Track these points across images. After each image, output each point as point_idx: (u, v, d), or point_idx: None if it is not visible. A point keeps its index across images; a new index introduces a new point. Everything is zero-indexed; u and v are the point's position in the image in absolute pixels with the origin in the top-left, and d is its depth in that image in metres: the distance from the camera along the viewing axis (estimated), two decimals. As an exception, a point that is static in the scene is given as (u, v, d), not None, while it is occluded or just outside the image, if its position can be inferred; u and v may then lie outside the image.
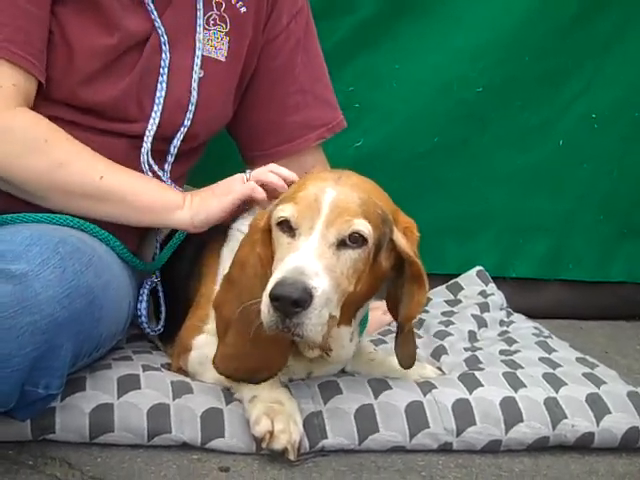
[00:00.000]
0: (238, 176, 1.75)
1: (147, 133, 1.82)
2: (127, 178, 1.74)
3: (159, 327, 1.85)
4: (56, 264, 1.42)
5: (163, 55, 1.82)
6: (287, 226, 1.50)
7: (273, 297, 1.39)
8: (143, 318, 1.83)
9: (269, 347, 1.53)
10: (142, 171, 1.83)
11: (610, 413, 1.70)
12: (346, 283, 1.48)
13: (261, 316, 1.42)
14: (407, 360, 1.69)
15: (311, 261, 1.42)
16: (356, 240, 1.48)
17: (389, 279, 1.64)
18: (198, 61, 1.85)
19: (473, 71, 2.56)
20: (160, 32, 1.81)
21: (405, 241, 1.58)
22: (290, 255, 1.45)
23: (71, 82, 1.75)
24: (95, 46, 1.75)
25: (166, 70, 1.82)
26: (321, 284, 1.41)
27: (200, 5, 1.86)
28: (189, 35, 1.85)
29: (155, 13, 1.80)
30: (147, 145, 1.82)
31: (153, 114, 1.82)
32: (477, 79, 2.57)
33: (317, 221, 1.47)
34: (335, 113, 2.12)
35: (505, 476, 1.60)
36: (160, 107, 1.82)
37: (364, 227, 1.48)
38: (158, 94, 1.82)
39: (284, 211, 1.51)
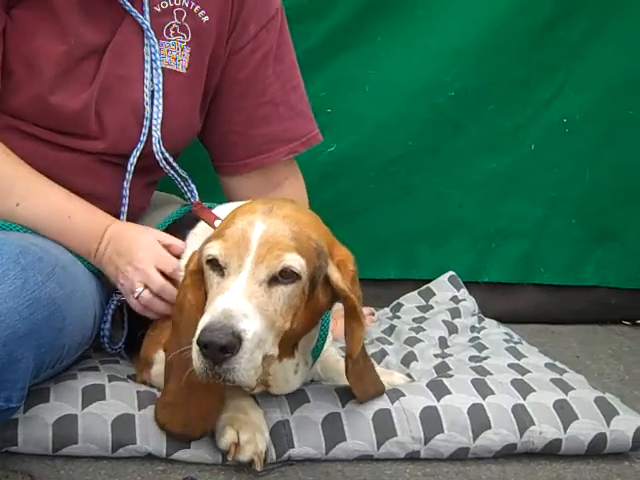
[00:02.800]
0: (136, 278, 1.70)
1: (134, 153, 1.81)
2: (44, 210, 1.72)
3: (119, 346, 1.83)
4: (16, 275, 1.41)
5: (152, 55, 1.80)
6: (216, 265, 1.45)
7: (201, 344, 1.34)
8: (105, 339, 1.80)
9: (204, 395, 1.48)
10: (122, 195, 1.82)
11: (577, 419, 1.71)
12: (281, 321, 1.43)
13: (193, 363, 1.37)
14: (362, 395, 1.64)
15: (240, 302, 1.37)
16: (289, 276, 1.42)
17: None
18: (148, 74, 1.81)
19: (446, 76, 2.57)
20: (149, 35, 1.79)
21: (339, 275, 1.51)
22: (218, 297, 1.39)
23: (31, 91, 1.73)
24: (51, 52, 1.72)
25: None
26: (251, 326, 1.36)
27: (147, 16, 1.80)
28: (139, 47, 1.80)
29: (142, 16, 1.78)
30: (131, 168, 1.82)
31: (142, 135, 1.81)
32: (450, 84, 2.57)
33: (246, 259, 1.41)
34: (310, 126, 2.06)
35: (472, 484, 1.60)
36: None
37: (296, 262, 1.42)
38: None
39: (212, 249, 1.45)
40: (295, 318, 1.47)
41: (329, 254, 1.52)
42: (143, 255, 1.71)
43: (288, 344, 1.54)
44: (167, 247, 1.74)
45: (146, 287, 1.70)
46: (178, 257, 1.73)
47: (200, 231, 1.76)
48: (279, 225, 1.45)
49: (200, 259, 1.51)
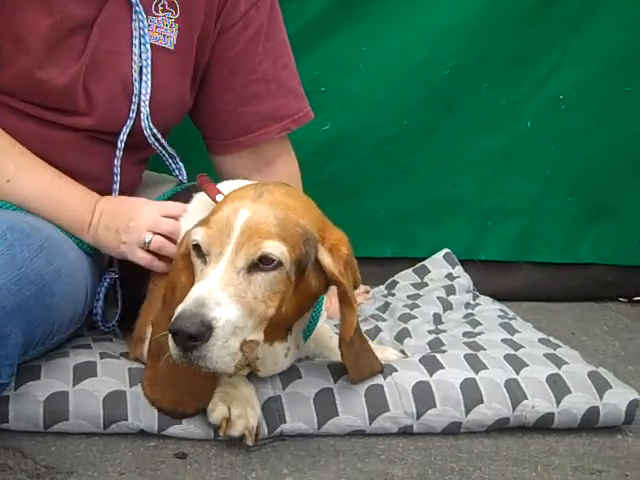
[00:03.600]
0: (143, 227, 1.70)
1: (124, 129, 1.80)
2: (35, 186, 1.71)
3: (112, 323, 1.83)
4: (4, 251, 1.40)
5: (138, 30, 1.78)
6: (200, 251, 1.46)
7: (172, 331, 1.36)
8: (98, 317, 1.81)
9: (195, 373, 1.45)
10: (112, 173, 1.82)
11: (570, 393, 1.70)
12: (262, 307, 1.43)
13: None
14: (357, 377, 1.63)
15: (214, 291, 1.38)
16: (269, 262, 1.42)
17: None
18: (136, 50, 1.79)
19: (441, 53, 2.55)
20: (138, 10, 1.77)
21: (331, 260, 1.50)
22: (196, 285, 1.41)
23: (19, 66, 1.72)
24: (38, 26, 1.70)
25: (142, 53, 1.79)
26: (224, 314, 1.36)
27: None
28: (126, 22, 1.79)
29: None
30: (121, 145, 1.82)
31: (131, 111, 1.80)
32: (445, 62, 2.55)
33: (226, 247, 1.42)
34: (301, 103, 2.05)
35: (464, 458, 1.60)
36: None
37: (275, 249, 1.42)
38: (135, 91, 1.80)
39: (196, 235, 1.46)
40: (282, 303, 1.47)
41: (321, 238, 1.51)
42: (144, 209, 1.73)
43: (280, 328, 1.55)
44: (163, 209, 1.75)
45: (154, 233, 1.70)
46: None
47: (193, 209, 1.76)
48: (264, 212, 1.45)
49: (187, 244, 1.51)
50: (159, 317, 1.58)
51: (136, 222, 1.71)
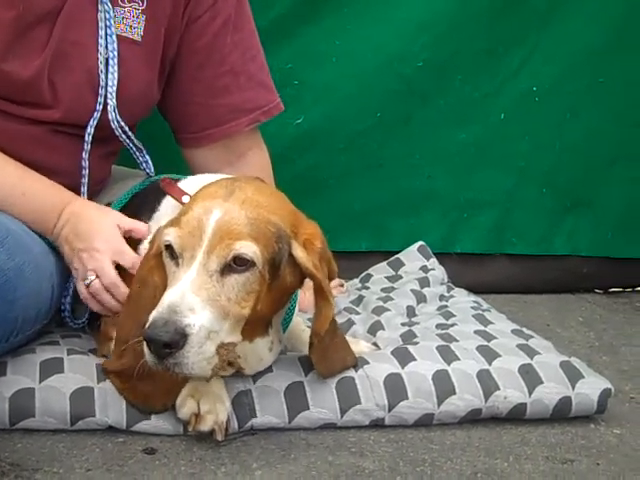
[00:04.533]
0: (89, 266, 1.67)
1: (91, 122, 1.78)
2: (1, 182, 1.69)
3: (82, 321, 1.81)
4: (-36, 245, 1.39)
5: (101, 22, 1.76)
6: (172, 252, 1.44)
7: (146, 339, 1.35)
8: (67, 312, 1.78)
9: (165, 374, 1.42)
10: (80, 167, 1.79)
11: (542, 383, 1.70)
12: (237, 308, 1.42)
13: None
14: (327, 372, 1.62)
15: (186, 296, 1.36)
16: (242, 263, 1.41)
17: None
18: (102, 41, 1.77)
19: (414, 46, 2.54)
20: (104, 0, 1.75)
21: (305, 255, 1.49)
22: (168, 290, 1.40)
23: None
24: (1, 18, 1.68)
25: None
26: (198, 320, 1.35)
27: None
28: (92, 13, 1.77)
29: None
30: (89, 138, 1.79)
31: (98, 104, 1.78)
32: (417, 54, 2.54)
33: (198, 249, 1.40)
34: (270, 96, 2.04)
35: (436, 449, 1.59)
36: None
37: (247, 249, 1.40)
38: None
39: (168, 236, 1.43)
40: (258, 302, 1.45)
41: (294, 234, 1.50)
42: (101, 244, 1.67)
43: (259, 325, 1.54)
44: (128, 232, 1.71)
45: (97, 277, 1.67)
46: (140, 241, 1.70)
47: (164, 210, 1.73)
48: (235, 212, 1.43)
49: (159, 243, 1.49)
50: (125, 312, 1.57)
51: (85, 256, 1.67)
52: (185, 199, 1.63)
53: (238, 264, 1.41)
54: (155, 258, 1.52)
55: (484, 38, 2.58)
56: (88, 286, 1.66)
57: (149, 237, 1.65)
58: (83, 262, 1.67)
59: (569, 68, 2.64)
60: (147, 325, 1.35)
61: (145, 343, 1.35)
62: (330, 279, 1.58)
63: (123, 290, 1.64)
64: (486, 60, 2.59)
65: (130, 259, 1.66)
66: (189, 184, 1.70)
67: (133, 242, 1.70)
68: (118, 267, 1.68)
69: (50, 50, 1.74)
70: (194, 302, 1.37)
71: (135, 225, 1.72)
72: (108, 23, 1.78)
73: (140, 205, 1.79)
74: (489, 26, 2.57)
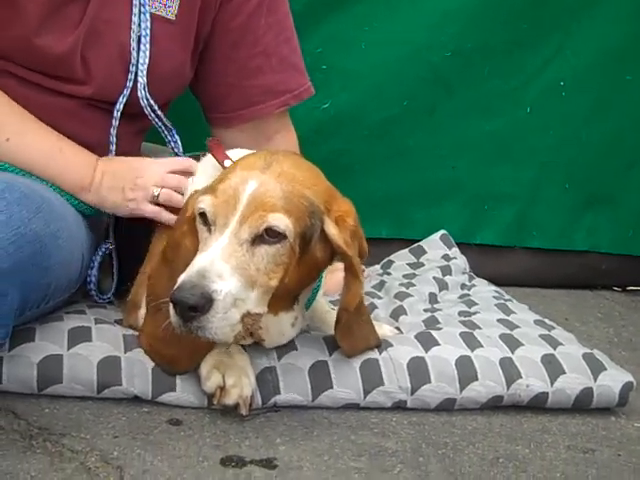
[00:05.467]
0: (150, 183, 1.72)
1: (120, 99, 1.79)
2: (35, 145, 1.70)
3: (108, 296, 1.82)
4: (2, 210, 1.39)
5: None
6: (205, 219, 1.46)
7: (172, 301, 1.36)
8: (92, 285, 1.79)
9: (193, 338, 1.42)
10: (109, 142, 1.81)
11: (565, 374, 1.70)
12: (265, 279, 1.43)
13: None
14: (350, 350, 1.64)
15: (216, 262, 1.38)
16: (274, 235, 1.42)
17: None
18: (135, 19, 1.77)
19: (443, 35, 2.54)
20: None
21: (337, 231, 1.50)
22: (199, 255, 1.42)
23: (16, 31, 1.70)
24: None
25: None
26: (225, 286, 1.37)
27: None
28: None
29: None
30: (117, 114, 1.80)
31: (128, 81, 1.79)
32: (446, 44, 2.54)
33: (232, 218, 1.42)
34: (302, 79, 2.04)
35: (458, 434, 1.60)
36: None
37: (280, 222, 1.42)
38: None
39: (203, 203, 1.45)
40: (286, 275, 1.46)
41: (327, 210, 1.51)
42: (148, 170, 1.73)
43: (285, 298, 1.55)
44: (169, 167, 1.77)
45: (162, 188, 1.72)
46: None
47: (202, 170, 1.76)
48: (271, 184, 1.44)
49: (194, 209, 1.50)
50: (156, 271, 1.59)
51: (143, 179, 1.72)
52: (227, 163, 1.66)
53: (270, 235, 1.43)
54: (189, 222, 1.53)
55: (513, 30, 2.57)
56: (158, 197, 1.71)
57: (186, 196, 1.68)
58: (139, 187, 1.72)
59: (597, 64, 2.64)
60: (175, 287, 1.37)
61: (171, 305, 1.37)
62: (360, 257, 1.58)
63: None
64: (514, 52, 2.59)
65: (182, 165, 1.76)
66: (233, 153, 1.72)
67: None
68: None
69: (84, 27, 1.74)
70: (223, 269, 1.38)
71: (175, 160, 1.77)
72: (142, 1, 1.79)
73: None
74: (518, 18, 2.57)
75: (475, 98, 2.60)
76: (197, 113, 2.08)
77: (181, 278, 1.38)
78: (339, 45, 2.50)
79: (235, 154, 1.70)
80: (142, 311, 1.66)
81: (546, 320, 1.99)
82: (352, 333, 1.63)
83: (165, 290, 1.46)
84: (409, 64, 2.54)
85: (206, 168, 1.74)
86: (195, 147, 1.93)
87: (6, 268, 1.37)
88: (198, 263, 1.39)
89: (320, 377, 1.62)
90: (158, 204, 1.73)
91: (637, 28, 2.63)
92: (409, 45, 2.53)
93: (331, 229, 1.50)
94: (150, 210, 1.73)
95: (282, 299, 1.54)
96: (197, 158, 1.83)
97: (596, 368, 1.73)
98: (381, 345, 1.69)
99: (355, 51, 2.51)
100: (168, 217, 1.72)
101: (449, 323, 1.88)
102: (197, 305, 1.35)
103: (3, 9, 1.69)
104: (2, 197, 1.41)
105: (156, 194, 1.71)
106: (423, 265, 2.37)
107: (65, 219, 1.62)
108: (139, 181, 1.72)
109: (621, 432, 1.67)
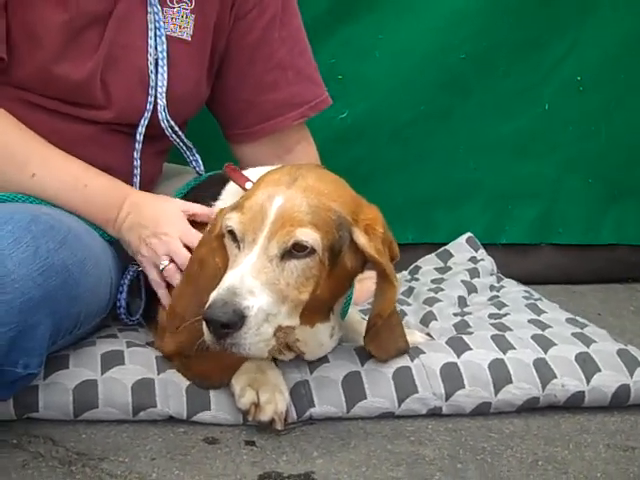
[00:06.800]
0: (161, 252, 1.68)
1: (142, 122, 1.81)
2: (59, 182, 1.70)
3: (136, 317, 1.83)
4: (29, 242, 1.41)
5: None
6: (234, 236, 1.47)
7: (205, 319, 1.37)
8: (122, 309, 1.79)
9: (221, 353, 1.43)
10: (132, 165, 1.82)
11: (600, 371, 1.69)
12: (295, 293, 1.44)
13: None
14: (380, 353, 1.64)
15: (246, 279, 1.39)
16: (302, 249, 1.43)
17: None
18: (152, 42, 1.79)
19: (456, 38, 2.54)
20: (153, 2, 1.77)
21: (367, 240, 1.51)
22: (229, 272, 1.43)
23: (35, 62, 1.72)
24: (52, 22, 1.70)
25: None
26: (256, 302, 1.38)
27: None
28: (142, 15, 1.79)
29: None
30: (140, 137, 1.82)
31: (148, 104, 1.80)
32: (460, 46, 2.54)
33: (260, 234, 1.43)
34: (318, 90, 2.05)
35: (495, 438, 1.59)
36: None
37: (308, 237, 1.43)
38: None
39: (230, 220, 1.47)
40: (317, 287, 1.47)
41: (355, 220, 1.51)
42: (168, 228, 1.69)
43: (320, 310, 1.56)
44: (192, 216, 1.73)
45: (171, 261, 1.68)
46: (204, 225, 1.71)
47: (226, 198, 1.76)
48: (297, 199, 1.45)
49: (222, 227, 1.52)
50: (180, 290, 1.60)
51: (155, 241, 1.69)
52: (248, 185, 1.66)
53: (298, 250, 1.43)
54: (217, 240, 1.54)
55: (526, 29, 2.56)
56: (162, 271, 1.68)
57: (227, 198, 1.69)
58: (153, 248, 1.69)
59: (613, 57, 2.62)
60: (207, 305, 1.38)
61: (204, 323, 1.38)
62: (392, 260, 1.59)
63: None
64: (529, 51, 2.58)
65: (197, 238, 1.68)
66: (251, 173, 1.73)
67: (198, 228, 1.72)
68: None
69: (102, 52, 1.76)
70: (253, 285, 1.39)
71: (198, 209, 1.74)
72: (157, 25, 1.80)
73: (200, 196, 1.81)
74: (531, 16, 2.56)
75: (492, 98, 2.59)
76: (215, 131, 2.10)
77: (212, 296, 1.39)
78: (353, 54, 2.51)
79: (253, 174, 1.71)
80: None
81: (578, 318, 1.98)
82: (381, 337, 1.63)
83: (189, 308, 1.47)
84: (424, 69, 2.54)
85: (228, 199, 1.73)
86: (214, 165, 1.95)
87: (36, 299, 1.39)
88: (228, 280, 1.40)
89: (354, 388, 1.62)
90: None
91: (652, 19, 2.61)
92: (423, 50, 2.53)
93: (361, 239, 1.51)
94: (153, 278, 1.71)
95: (317, 311, 1.55)
96: (218, 177, 1.84)
97: (631, 364, 1.71)
98: (409, 349, 1.68)
99: (369, 59, 2.51)
100: (164, 294, 1.70)
101: (480, 326, 1.87)
102: (229, 322, 1.36)
103: (22, 41, 1.72)
104: (29, 230, 1.43)
105: (161, 268, 1.68)
106: (450, 269, 2.36)
107: (91, 247, 1.63)
108: (154, 242, 1.69)
109: (661, 428, 1.65)
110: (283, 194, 1.45)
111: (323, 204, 1.46)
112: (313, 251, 1.44)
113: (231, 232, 1.47)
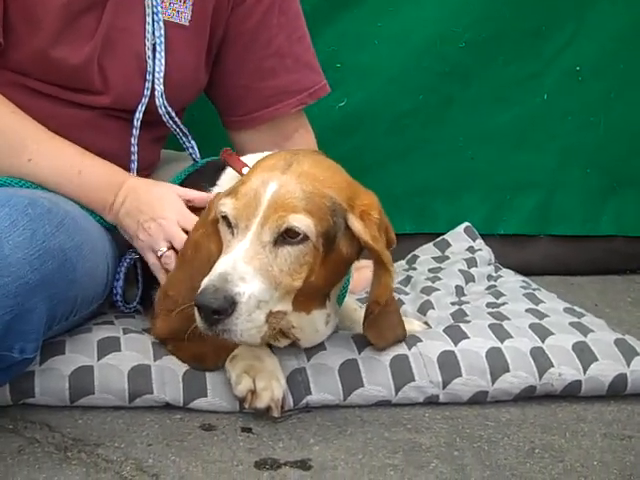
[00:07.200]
0: (160, 237, 1.67)
1: (139, 107, 1.80)
2: (56, 163, 1.70)
3: (133, 305, 1.82)
4: (25, 225, 1.40)
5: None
6: (228, 222, 1.46)
7: (196, 305, 1.37)
8: (118, 297, 1.79)
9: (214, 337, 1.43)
10: (129, 151, 1.81)
11: (597, 361, 1.69)
12: (288, 280, 1.44)
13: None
14: (378, 341, 1.63)
15: (238, 265, 1.38)
16: (295, 236, 1.43)
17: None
18: (149, 27, 1.78)
19: (456, 27, 2.52)
20: None
21: (362, 227, 1.50)
22: (221, 258, 1.42)
23: (33, 45, 1.71)
24: (50, 5, 1.69)
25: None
26: (248, 289, 1.37)
27: None
28: None
29: None
30: (137, 123, 1.81)
31: (145, 89, 1.79)
32: (460, 35, 2.52)
33: (253, 220, 1.42)
34: (317, 77, 2.04)
35: (492, 426, 1.58)
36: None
37: (301, 223, 1.42)
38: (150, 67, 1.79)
39: (224, 206, 1.46)
40: (311, 274, 1.47)
41: (350, 207, 1.51)
42: (167, 212, 1.69)
43: (316, 297, 1.56)
44: (189, 202, 1.73)
45: (170, 247, 1.68)
46: (201, 209, 1.70)
47: (223, 184, 1.75)
48: (291, 185, 1.45)
49: (216, 212, 1.51)
50: (176, 275, 1.59)
51: (153, 225, 1.68)
52: (245, 170, 1.66)
53: (291, 236, 1.43)
54: (212, 224, 1.54)
55: (527, 18, 2.55)
56: (160, 256, 1.67)
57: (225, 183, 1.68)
58: (151, 233, 1.68)
59: (613, 47, 2.61)
60: (199, 291, 1.37)
61: (196, 309, 1.38)
62: (388, 247, 1.58)
63: None
64: (529, 40, 2.57)
65: (194, 222, 1.67)
66: (249, 159, 1.72)
67: (197, 214, 1.71)
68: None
69: (99, 37, 1.75)
70: (245, 271, 1.39)
71: (194, 194, 1.73)
72: (155, 10, 1.79)
73: (197, 181, 1.80)
74: (532, 6, 2.55)
75: (491, 88, 2.58)
76: (212, 117, 2.09)
77: (204, 282, 1.38)
78: (352, 42, 2.49)
79: (250, 159, 1.70)
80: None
81: (576, 307, 1.97)
82: (379, 324, 1.63)
83: (182, 292, 1.47)
84: (423, 57, 2.53)
85: (225, 183, 1.72)
86: (211, 151, 1.94)
87: (33, 283, 1.38)
88: (220, 266, 1.40)
89: (350, 375, 1.62)
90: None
91: (652, 9, 2.60)
92: (422, 38, 2.52)
93: (356, 225, 1.50)
94: (152, 262, 1.70)
95: (313, 297, 1.54)
96: (216, 163, 1.83)
97: (629, 354, 1.71)
98: (406, 336, 1.68)
99: (369, 47, 2.50)
100: (163, 278, 1.69)
101: (477, 315, 1.86)
102: (220, 309, 1.36)
103: (20, 24, 1.71)
104: (25, 213, 1.42)
105: (159, 254, 1.67)
106: (448, 258, 2.36)
107: (88, 231, 1.63)
108: (152, 226, 1.68)
109: (658, 417, 1.65)
110: (277, 180, 1.45)
111: (317, 190, 1.46)
112: (306, 237, 1.44)
113: (225, 218, 1.47)
